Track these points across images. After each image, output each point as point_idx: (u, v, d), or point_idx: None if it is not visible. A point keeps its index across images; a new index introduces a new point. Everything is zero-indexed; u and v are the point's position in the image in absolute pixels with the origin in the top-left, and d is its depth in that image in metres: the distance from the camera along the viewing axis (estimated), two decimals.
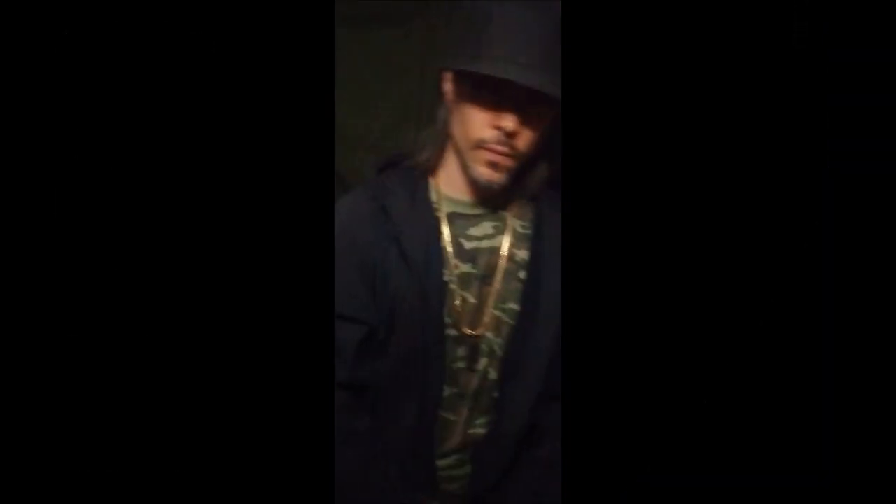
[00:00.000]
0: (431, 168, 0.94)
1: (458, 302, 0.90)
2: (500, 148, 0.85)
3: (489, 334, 0.91)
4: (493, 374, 0.92)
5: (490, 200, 0.93)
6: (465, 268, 0.92)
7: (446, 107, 0.91)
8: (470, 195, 0.93)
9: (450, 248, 0.91)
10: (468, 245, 0.92)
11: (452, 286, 0.91)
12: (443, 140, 0.92)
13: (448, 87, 0.90)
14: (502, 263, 0.92)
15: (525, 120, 0.85)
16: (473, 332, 0.91)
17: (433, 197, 0.94)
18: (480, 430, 0.94)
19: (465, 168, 0.90)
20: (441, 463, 0.93)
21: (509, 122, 0.83)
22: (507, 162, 0.87)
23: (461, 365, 0.92)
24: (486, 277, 0.92)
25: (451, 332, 0.91)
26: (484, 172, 0.87)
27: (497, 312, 0.92)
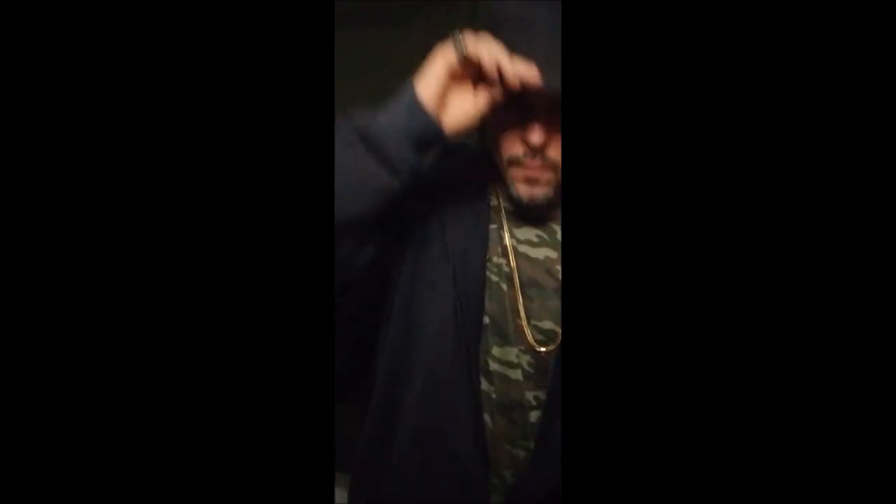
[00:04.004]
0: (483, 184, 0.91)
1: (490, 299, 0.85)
2: (533, 163, 0.80)
3: (517, 349, 0.86)
4: (531, 399, 0.86)
5: (542, 215, 0.88)
6: (501, 262, 0.87)
7: (483, 129, 0.87)
8: (520, 209, 0.88)
9: (491, 238, 0.87)
10: (506, 241, 0.87)
11: (493, 277, 0.86)
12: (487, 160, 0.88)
13: None
14: (545, 278, 0.86)
15: (555, 128, 0.79)
16: (544, 349, 0.85)
17: (491, 194, 0.90)
18: (520, 453, 0.86)
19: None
20: None
21: (535, 135, 0.78)
22: (546, 175, 0.81)
23: (497, 367, 0.86)
24: (525, 288, 0.86)
25: (486, 320, 0.86)
26: (523, 191, 0.83)
27: (529, 329, 0.86)
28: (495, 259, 0.87)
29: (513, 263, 0.87)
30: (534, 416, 0.86)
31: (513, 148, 0.81)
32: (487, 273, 0.87)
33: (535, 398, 0.86)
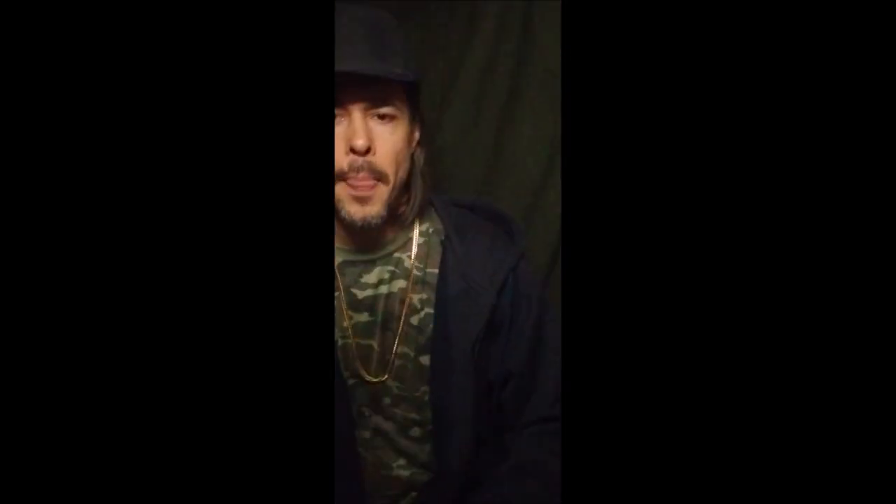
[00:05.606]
0: None
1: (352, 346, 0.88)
2: (360, 176, 0.79)
3: (392, 382, 0.90)
4: (408, 415, 0.90)
5: (379, 242, 0.89)
6: (362, 317, 0.89)
7: None
8: (355, 241, 0.88)
9: (344, 300, 0.88)
10: (362, 294, 0.88)
11: (348, 340, 0.88)
12: None
13: None
14: (400, 309, 0.89)
15: (379, 133, 0.80)
16: (375, 379, 0.89)
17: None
18: (420, 477, 0.92)
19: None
20: None
21: (359, 139, 0.78)
22: (376, 192, 0.81)
23: (366, 412, 0.90)
24: (387, 323, 0.89)
25: (351, 380, 0.89)
26: (355, 211, 0.81)
27: (398, 359, 0.89)
28: (344, 324, 0.89)
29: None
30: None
31: (337, 161, 0.79)
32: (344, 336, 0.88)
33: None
